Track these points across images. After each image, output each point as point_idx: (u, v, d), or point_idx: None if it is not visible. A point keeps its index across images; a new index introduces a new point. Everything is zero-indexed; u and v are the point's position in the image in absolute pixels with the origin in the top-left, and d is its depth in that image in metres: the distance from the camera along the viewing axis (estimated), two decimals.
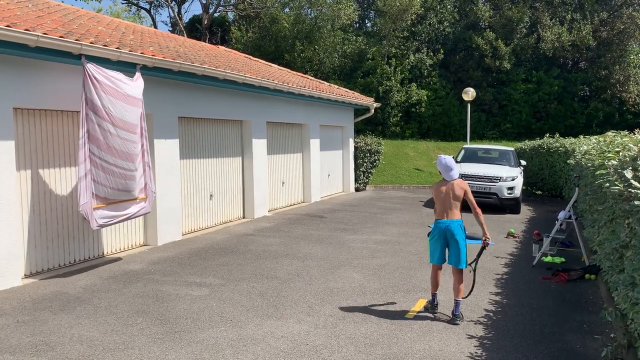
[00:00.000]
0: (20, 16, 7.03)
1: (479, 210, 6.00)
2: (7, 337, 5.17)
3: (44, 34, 6.46)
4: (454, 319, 5.80)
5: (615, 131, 7.98)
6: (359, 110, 19.23)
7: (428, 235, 6.25)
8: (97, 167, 7.29)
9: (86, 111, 7.08)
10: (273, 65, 18.18)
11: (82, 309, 6.01)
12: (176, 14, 32.32)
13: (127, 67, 7.97)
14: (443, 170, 6.06)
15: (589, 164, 7.79)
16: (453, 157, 15.90)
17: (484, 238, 6.03)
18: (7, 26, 6.06)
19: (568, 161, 12.29)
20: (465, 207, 6.18)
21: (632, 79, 28.45)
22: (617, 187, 4.71)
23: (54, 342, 5.09)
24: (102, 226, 7.44)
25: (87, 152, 7.11)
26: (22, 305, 6.10)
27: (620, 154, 5.58)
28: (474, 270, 6.28)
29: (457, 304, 5.85)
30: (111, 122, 7.38)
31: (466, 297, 6.32)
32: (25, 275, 7.16)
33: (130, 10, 38.17)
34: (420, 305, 6.34)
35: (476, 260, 6.25)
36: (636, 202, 4.00)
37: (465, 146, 17.11)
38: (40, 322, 5.57)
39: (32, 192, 7.31)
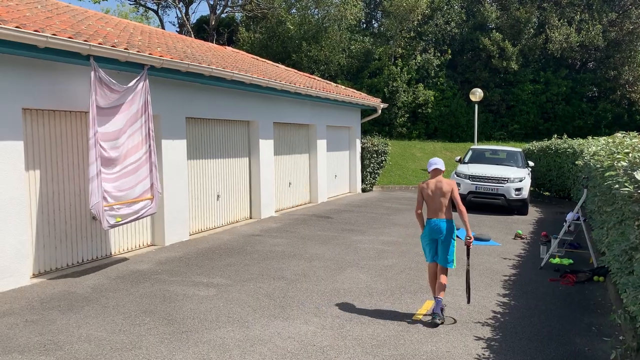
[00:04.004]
0: (29, 17, 7.08)
1: (463, 209, 5.88)
2: (15, 336, 5.20)
3: (53, 34, 6.50)
4: (433, 317, 5.70)
5: (624, 132, 7.92)
6: (366, 111, 19.22)
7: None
8: (105, 169, 7.37)
9: (95, 112, 7.15)
10: (280, 65, 18.21)
11: (90, 308, 6.04)
12: (184, 15, 32.43)
13: (135, 68, 8.01)
14: (430, 164, 6.06)
15: (598, 165, 7.74)
16: (460, 158, 15.97)
17: (465, 238, 5.92)
18: (17, 27, 6.10)
19: (576, 162, 12.22)
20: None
21: None
22: (627, 189, 4.67)
23: (62, 341, 5.12)
24: (112, 226, 7.48)
25: (97, 153, 7.16)
26: (30, 304, 6.13)
27: (630, 155, 5.54)
28: (467, 273, 6.06)
29: (437, 302, 5.78)
30: (114, 124, 7.49)
31: (468, 302, 6.18)
32: (33, 274, 7.20)
33: (137, 11, 38.36)
34: (427, 306, 6.32)
35: (467, 262, 6.06)
36: None
37: (472, 147, 17.06)
38: (48, 322, 5.60)
39: (41, 192, 7.35)
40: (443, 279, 5.89)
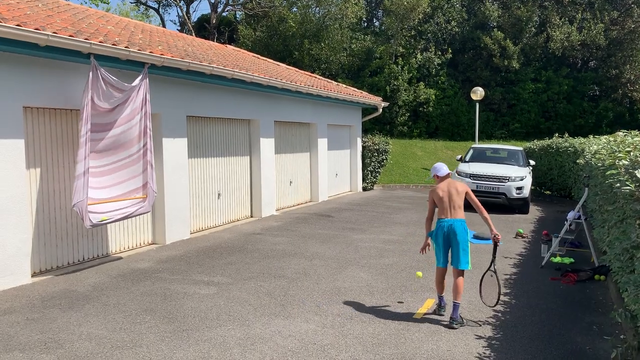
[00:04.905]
0: (30, 15, 7.08)
1: (482, 208, 5.83)
2: (16, 335, 5.21)
3: (54, 33, 6.50)
4: (451, 322, 5.64)
5: (625, 131, 7.91)
6: (367, 110, 19.19)
7: (429, 235, 6.11)
8: (94, 168, 7.34)
9: (89, 110, 7.10)
10: (281, 64, 18.19)
11: (90, 306, 6.04)
12: (184, 13, 32.43)
13: (136, 66, 8.01)
14: (437, 169, 6.06)
15: (599, 164, 7.73)
16: (461, 157, 15.96)
17: (493, 236, 5.83)
18: (18, 25, 6.10)
19: (577, 161, 12.22)
20: (468, 208, 6.08)
21: None
22: (628, 187, 4.66)
23: (63, 339, 5.12)
24: (95, 225, 7.26)
25: (87, 151, 7.10)
26: (31, 302, 6.13)
27: (632, 153, 5.53)
28: (495, 272, 5.93)
29: (455, 307, 5.68)
30: (110, 122, 7.50)
31: (495, 305, 5.98)
32: (34, 273, 7.21)
33: (138, 9, 38.37)
34: (427, 305, 6.32)
35: (493, 261, 5.94)
36: None
37: (473, 146, 17.04)
38: (49, 320, 5.61)
39: (42, 190, 7.35)
40: (461, 282, 5.76)
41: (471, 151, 16.27)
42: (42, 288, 6.66)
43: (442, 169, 6.06)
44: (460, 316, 5.73)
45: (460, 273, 5.81)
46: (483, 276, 6.13)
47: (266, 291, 6.74)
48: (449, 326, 5.64)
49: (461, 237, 5.79)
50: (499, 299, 5.92)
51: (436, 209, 6.07)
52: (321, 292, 6.74)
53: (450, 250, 5.91)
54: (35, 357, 4.72)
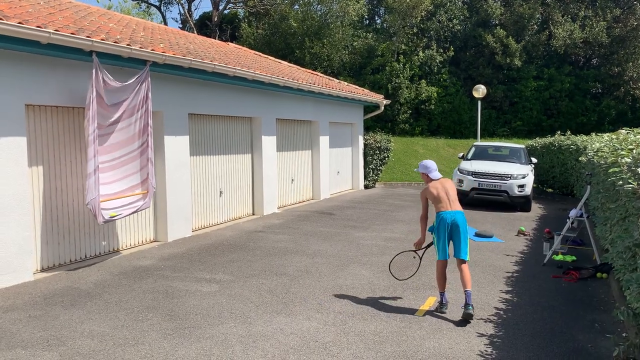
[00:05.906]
0: (32, 13, 7.08)
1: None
2: (19, 332, 5.22)
3: (56, 30, 6.50)
4: (467, 308, 5.65)
5: (628, 128, 7.90)
6: (369, 107, 19.17)
7: (429, 230, 6.23)
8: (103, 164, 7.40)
9: (95, 108, 7.14)
10: (283, 62, 18.18)
11: (92, 304, 6.06)
12: (186, 11, 32.43)
13: (138, 64, 8.01)
14: (430, 170, 6.21)
15: (601, 162, 7.72)
16: (463, 154, 15.94)
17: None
18: (20, 23, 6.10)
19: (579, 159, 12.20)
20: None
21: None
22: (631, 185, 4.66)
23: (65, 336, 5.13)
24: (107, 221, 7.44)
25: (96, 149, 7.16)
26: (33, 300, 6.15)
27: (634, 151, 5.52)
28: (420, 258, 6.90)
29: (468, 294, 5.76)
30: (112, 119, 7.53)
31: (405, 279, 6.88)
32: (36, 270, 7.23)
33: (140, 7, 38.37)
34: (429, 303, 6.32)
35: (426, 249, 6.59)
36: None
37: (475, 143, 17.02)
38: (51, 317, 5.62)
39: (44, 188, 7.36)
40: (467, 270, 5.92)
41: (473, 149, 16.24)
42: (44, 285, 6.68)
43: (435, 172, 6.23)
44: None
45: (463, 262, 5.95)
46: (399, 255, 7.57)
47: (268, 289, 6.75)
48: (467, 313, 5.63)
49: (464, 228, 5.98)
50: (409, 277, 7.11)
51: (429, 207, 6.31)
52: (323, 290, 6.74)
53: (451, 242, 6.03)
54: (37, 355, 4.73)
